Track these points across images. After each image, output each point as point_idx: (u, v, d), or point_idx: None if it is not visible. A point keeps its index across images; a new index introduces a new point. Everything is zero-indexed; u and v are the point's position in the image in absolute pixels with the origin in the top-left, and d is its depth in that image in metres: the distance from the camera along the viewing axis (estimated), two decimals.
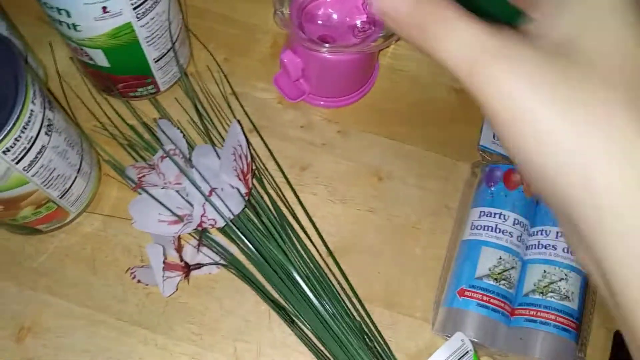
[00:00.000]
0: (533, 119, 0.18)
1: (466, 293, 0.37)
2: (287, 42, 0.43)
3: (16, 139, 0.31)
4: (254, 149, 0.43)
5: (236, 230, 0.39)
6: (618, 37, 0.18)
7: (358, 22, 0.40)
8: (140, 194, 0.38)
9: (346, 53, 0.40)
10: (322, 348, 0.38)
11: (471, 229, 0.39)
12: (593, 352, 0.39)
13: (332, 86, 0.44)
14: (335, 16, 0.41)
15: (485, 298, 0.37)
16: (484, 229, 0.38)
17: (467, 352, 0.36)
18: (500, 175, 0.39)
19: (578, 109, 0.18)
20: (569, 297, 0.36)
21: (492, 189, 0.39)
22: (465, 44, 0.19)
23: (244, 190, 0.38)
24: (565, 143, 0.18)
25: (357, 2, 0.40)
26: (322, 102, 0.45)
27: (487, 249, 0.38)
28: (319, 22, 0.41)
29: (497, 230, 0.38)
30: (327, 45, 0.39)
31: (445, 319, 0.38)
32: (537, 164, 0.19)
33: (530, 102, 0.18)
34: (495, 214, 0.38)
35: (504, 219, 0.38)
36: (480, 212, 0.39)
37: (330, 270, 0.40)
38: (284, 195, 0.42)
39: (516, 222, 0.38)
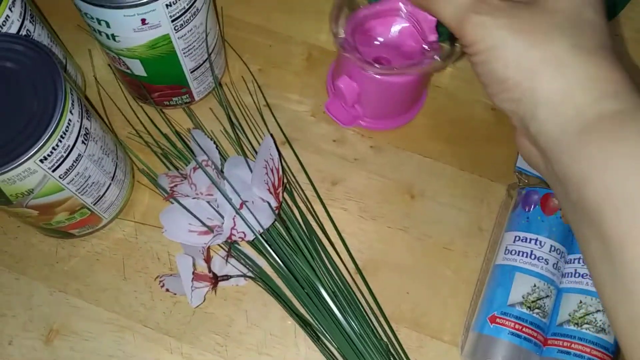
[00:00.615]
0: (503, 46, 0.27)
1: (498, 320, 0.36)
2: (338, 67, 0.43)
3: (53, 148, 0.31)
4: (285, 162, 0.43)
5: (265, 243, 0.39)
6: None
7: (424, 45, 0.39)
8: (172, 203, 0.38)
9: (406, 74, 0.39)
10: None
11: (505, 254, 0.38)
12: None
13: (389, 108, 0.44)
14: (390, 36, 0.40)
15: (517, 326, 0.35)
16: (518, 254, 0.37)
17: None
18: (537, 199, 0.38)
19: (531, 40, 0.27)
20: (605, 330, 0.35)
21: (529, 213, 0.38)
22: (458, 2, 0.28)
23: (274, 204, 0.38)
24: (521, 61, 0.27)
25: (418, 18, 0.39)
26: (378, 126, 0.44)
27: (521, 275, 0.37)
28: (374, 42, 0.40)
29: (533, 257, 0.37)
30: (395, 67, 0.39)
31: (475, 345, 0.37)
32: (499, 78, 0.27)
33: (501, 36, 0.27)
34: (530, 239, 0.37)
35: (540, 245, 0.37)
36: (515, 236, 0.38)
37: (358, 287, 0.40)
38: (314, 210, 0.42)
39: (553, 248, 0.37)
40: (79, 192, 0.35)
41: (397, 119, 0.44)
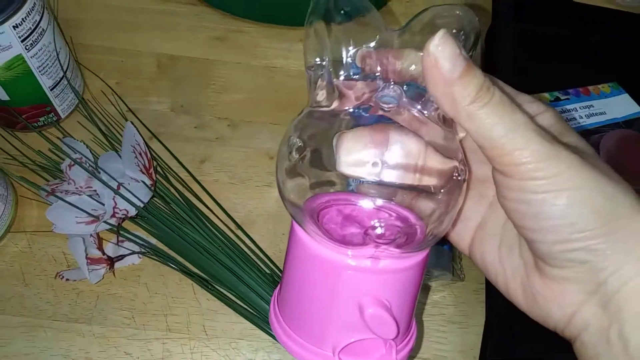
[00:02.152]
0: (592, 188, 0.23)
1: None
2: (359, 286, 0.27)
3: None
4: (156, 153, 0.48)
5: (151, 217, 0.44)
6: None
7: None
8: (50, 203, 0.42)
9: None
10: (242, 304, 0.43)
11: None
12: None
13: (411, 310, 0.30)
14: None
15: None
16: None
17: None
18: None
19: (619, 187, 0.23)
20: None
21: None
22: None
23: (149, 182, 0.44)
24: (613, 209, 0.23)
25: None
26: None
27: None
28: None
29: None
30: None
31: None
32: (582, 224, 0.23)
33: (590, 177, 0.23)
34: None
35: None
36: None
37: (242, 241, 0.46)
38: (189, 187, 0.47)
39: None
40: None
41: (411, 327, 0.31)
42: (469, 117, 0.23)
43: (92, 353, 0.41)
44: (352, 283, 0.27)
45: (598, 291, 0.24)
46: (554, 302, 0.25)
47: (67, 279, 0.42)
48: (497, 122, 0.23)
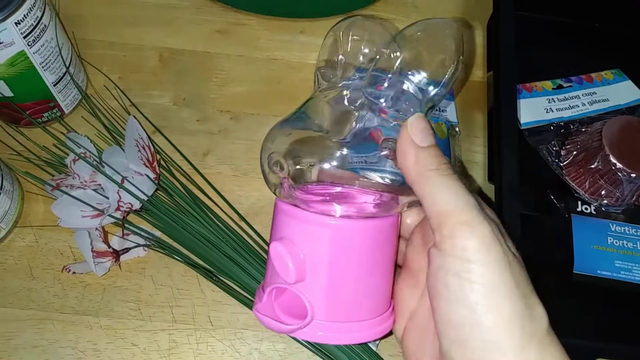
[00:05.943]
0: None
1: None
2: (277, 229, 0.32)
3: None
4: (159, 147, 0.49)
5: (155, 210, 0.44)
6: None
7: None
8: (56, 198, 0.43)
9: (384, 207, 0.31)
10: (247, 295, 0.44)
11: None
12: None
13: (354, 292, 0.31)
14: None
15: None
16: None
17: None
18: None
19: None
20: None
21: None
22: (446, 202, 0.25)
23: (152, 175, 0.44)
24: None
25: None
26: (343, 338, 0.31)
27: None
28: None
29: None
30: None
31: None
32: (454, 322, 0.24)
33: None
34: None
35: None
36: None
37: (245, 232, 0.46)
38: (192, 179, 0.48)
39: None
40: None
41: (368, 320, 0.31)
42: (428, 179, 0.26)
43: (99, 345, 0.42)
44: (280, 224, 0.32)
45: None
46: None
47: (74, 272, 0.43)
48: (452, 193, 0.25)
